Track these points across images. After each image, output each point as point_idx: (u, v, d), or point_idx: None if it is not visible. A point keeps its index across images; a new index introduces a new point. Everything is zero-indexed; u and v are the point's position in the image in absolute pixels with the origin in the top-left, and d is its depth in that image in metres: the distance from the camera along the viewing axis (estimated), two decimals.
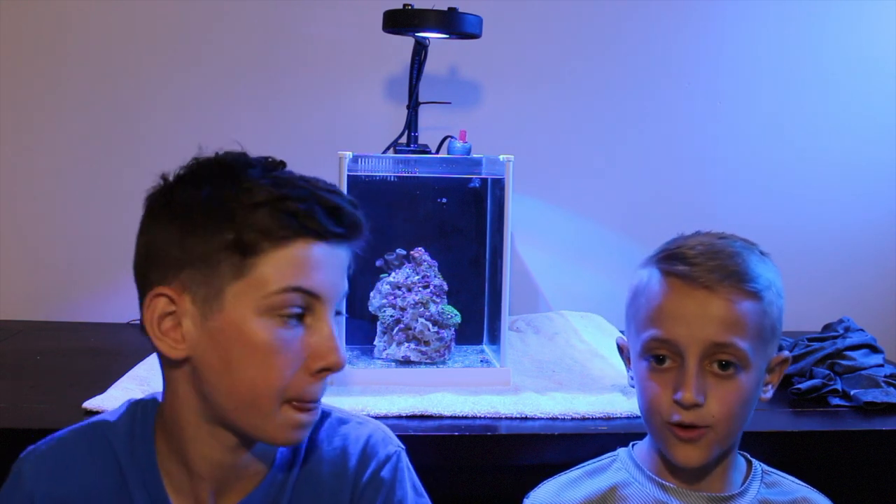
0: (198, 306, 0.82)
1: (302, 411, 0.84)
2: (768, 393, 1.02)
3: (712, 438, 0.96)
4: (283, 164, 0.88)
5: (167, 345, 0.83)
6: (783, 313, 1.01)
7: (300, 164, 0.89)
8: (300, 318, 0.83)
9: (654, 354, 0.98)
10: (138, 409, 0.92)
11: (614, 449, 1.10)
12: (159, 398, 0.92)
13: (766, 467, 1.06)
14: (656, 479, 1.02)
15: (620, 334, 1.17)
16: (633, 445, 1.08)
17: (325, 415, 0.96)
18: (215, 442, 0.86)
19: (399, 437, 0.98)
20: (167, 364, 0.86)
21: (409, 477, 0.96)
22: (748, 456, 1.07)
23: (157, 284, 0.83)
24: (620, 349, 1.09)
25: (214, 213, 0.81)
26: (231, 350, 0.81)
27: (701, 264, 0.95)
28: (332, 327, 0.84)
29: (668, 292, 0.97)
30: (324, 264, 0.83)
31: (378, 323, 1.48)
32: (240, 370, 0.81)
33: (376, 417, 1.10)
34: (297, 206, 0.81)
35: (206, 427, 0.86)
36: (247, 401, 0.82)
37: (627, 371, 1.06)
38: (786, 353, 1.03)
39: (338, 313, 0.87)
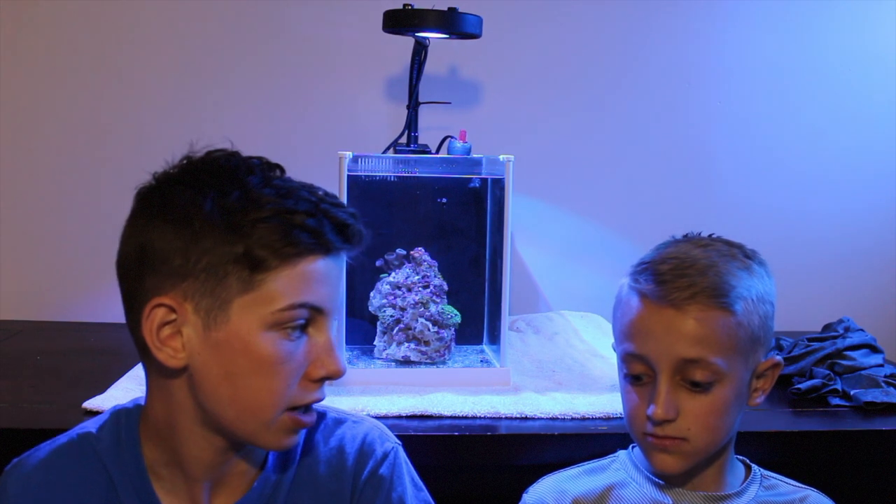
0: (200, 316, 0.81)
1: (300, 416, 0.85)
2: (759, 398, 1.01)
3: (688, 449, 0.97)
4: (277, 166, 0.87)
5: (166, 354, 0.82)
6: (772, 318, 1.00)
7: (300, 164, 0.89)
8: (303, 328, 0.84)
9: (630, 368, 0.99)
10: (122, 417, 0.91)
11: (614, 449, 1.11)
12: (141, 402, 0.91)
13: (765, 472, 1.06)
14: (654, 479, 1.03)
15: None
16: (632, 447, 1.09)
17: (321, 415, 0.96)
18: (207, 444, 0.87)
19: (399, 437, 0.99)
20: (160, 371, 0.85)
21: (408, 472, 0.97)
22: (747, 460, 1.07)
23: (155, 294, 0.81)
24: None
25: (220, 224, 0.80)
26: (235, 361, 0.81)
27: (669, 282, 0.95)
28: (333, 336, 0.86)
29: (638, 309, 0.97)
30: (328, 277, 0.84)
31: (378, 323, 1.48)
32: (244, 381, 0.82)
33: (376, 417, 1.10)
34: (306, 222, 0.81)
35: (200, 431, 0.86)
36: (249, 410, 0.83)
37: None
38: (777, 358, 1.01)
39: None
